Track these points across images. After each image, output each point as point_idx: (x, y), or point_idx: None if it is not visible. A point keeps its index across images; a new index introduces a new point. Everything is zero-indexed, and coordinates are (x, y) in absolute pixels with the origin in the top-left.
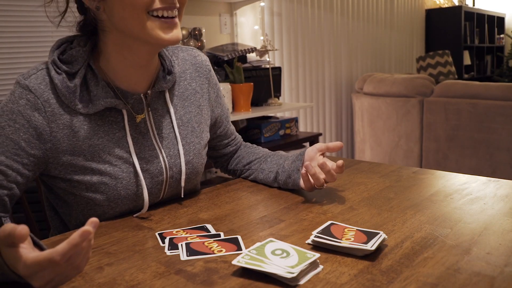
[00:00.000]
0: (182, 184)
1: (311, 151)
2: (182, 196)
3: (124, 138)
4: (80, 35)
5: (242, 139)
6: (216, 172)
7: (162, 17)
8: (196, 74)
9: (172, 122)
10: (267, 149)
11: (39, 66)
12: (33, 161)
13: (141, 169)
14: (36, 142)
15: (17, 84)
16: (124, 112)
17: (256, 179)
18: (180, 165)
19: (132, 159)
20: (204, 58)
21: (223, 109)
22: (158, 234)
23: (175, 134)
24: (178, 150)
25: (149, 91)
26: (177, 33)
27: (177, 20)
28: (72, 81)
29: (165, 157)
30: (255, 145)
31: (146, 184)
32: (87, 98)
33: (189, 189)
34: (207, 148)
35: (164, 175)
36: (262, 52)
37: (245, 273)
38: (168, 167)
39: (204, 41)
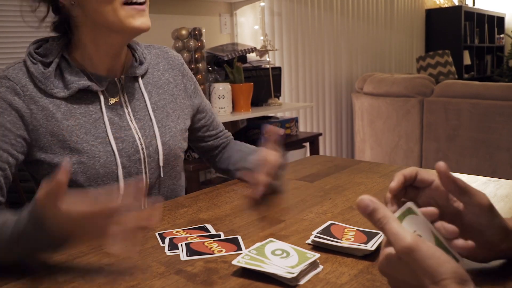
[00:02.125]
0: (161, 163)
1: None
2: (162, 176)
3: (101, 120)
4: (55, 36)
5: (232, 136)
6: (216, 172)
7: (132, 3)
8: (169, 67)
9: (146, 106)
10: (253, 146)
11: (16, 61)
12: (20, 142)
13: (117, 148)
14: (20, 124)
15: None
16: (100, 93)
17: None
18: (157, 145)
19: (109, 138)
20: (176, 54)
21: (204, 100)
22: (158, 234)
23: (150, 117)
24: (154, 132)
25: (122, 76)
26: (147, 20)
27: (145, 7)
28: (46, 69)
29: (140, 137)
30: (243, 143)
31: (123, 163)
32: (62, 84)
33: (172, 175)
34: (187, 134)
35: (141, 154)
36: (262, 52)
37: (245, 273)
38: (144, 147)
39: (204, 41)
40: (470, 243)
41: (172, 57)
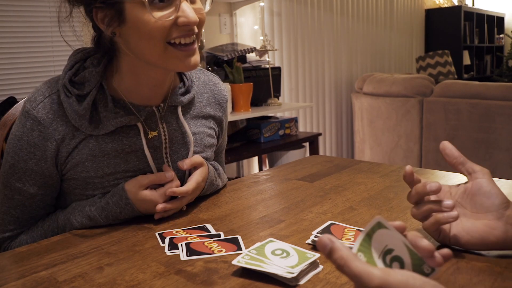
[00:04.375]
0: (185, 203)
1: None
2: (184, 209)
3: (133, 154)
4: (95, 50)
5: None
6: None
7: (180, 44)
8: (213, 100)
9: (188, 137)
10: None
11: (46, 90)
12: (57, 180)
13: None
14: (54, 168)
15: (26, 114)
16: (140, 126)
17: None
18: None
19: (151, 169)
20: (223, 88)
21: (225, 139)
22: (158, 234)
23: (189, 150)
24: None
25: (161, 104)
26: (195, 59)
27: (195, 46)
28: (81, 104)
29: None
30: None
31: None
32: (97, 119)
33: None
34: None
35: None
36: (262, 52)
37: (245, 273)
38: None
39: (204, 41)
40: (447, 252)
41: (219, 91)
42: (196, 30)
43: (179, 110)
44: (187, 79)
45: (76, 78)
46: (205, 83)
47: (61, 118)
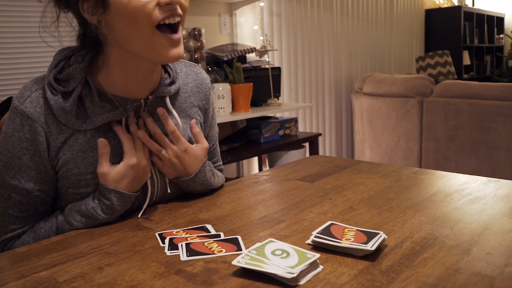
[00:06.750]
0: (169, 190)
1: None
2: (169, 191)
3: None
4: (80, 48)
5: (222, 167)
6: None
7: (165, 25)
8: (196, 90)
9: (177, 125)
10: None
11: (33, 86)
12: (52, 176)
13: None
14: (48, 163)
15: (15, 110)
16: (124, 120)
17: None
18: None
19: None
20: (205, 76)
21: (213, 129)
22: (158, 234)
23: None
24: None
25: (150, 97)
26: (180, 50)
27: (179, 35)
28: (67, 101)
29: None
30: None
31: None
32: (84, 114)
33: (179, 192)
34: None
35: (155, 182)
36: (262, 52)
37: (245, 273)
38: (158, 176)
39: (204, 41)
40: None
41: (201, 80)
42: (180, 12)
43: (167, 100)
44: (171, 70)
45: (61, 76)
46: (187, 74)
47: (48, 112)
